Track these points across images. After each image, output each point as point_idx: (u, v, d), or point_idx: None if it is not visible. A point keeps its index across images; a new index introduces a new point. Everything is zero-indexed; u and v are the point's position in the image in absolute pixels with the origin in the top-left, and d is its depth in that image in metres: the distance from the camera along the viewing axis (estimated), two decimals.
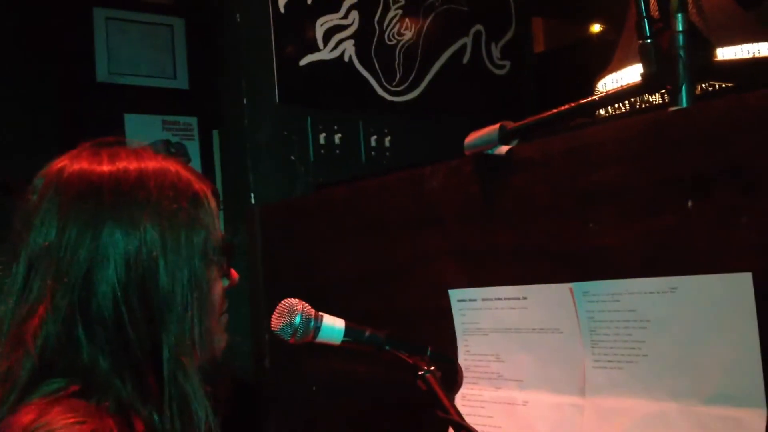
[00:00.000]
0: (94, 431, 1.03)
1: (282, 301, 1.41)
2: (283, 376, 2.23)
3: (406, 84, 3.19)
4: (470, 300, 1.64)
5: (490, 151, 1.59)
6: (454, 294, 1.67)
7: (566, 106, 1.52)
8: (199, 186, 1.25)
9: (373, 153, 3.08)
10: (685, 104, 1.38)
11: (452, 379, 1.53)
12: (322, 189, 2.67)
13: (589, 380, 1.44)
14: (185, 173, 1.25)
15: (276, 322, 1.40)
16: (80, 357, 1.13)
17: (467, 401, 1.64)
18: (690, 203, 1.30)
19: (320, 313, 1.42)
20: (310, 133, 2.93)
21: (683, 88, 1.38)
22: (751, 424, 1.22)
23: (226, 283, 1.33)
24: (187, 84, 4.52)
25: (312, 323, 1.40)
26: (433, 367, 1.36)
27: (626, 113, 1.81)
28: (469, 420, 1.57)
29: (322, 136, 2.96)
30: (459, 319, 1.67)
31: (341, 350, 1.46)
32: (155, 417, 1.13)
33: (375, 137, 3.09)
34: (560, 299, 1.47)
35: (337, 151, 2.99)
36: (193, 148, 4.52)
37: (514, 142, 1.58)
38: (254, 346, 2.31)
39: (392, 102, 3.15)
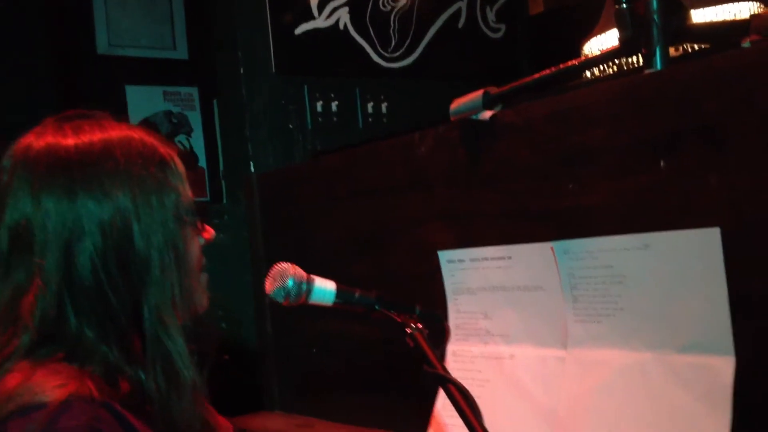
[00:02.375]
0: (73, 393, 1.07)
1: (275, 265, 1.47)
2: (284, 339, 2.30)
3: (402, 50, 3.23)
4: (459, 260, 1.71)
5: (474, 117, 1.65)
6: (444, 255, 1.73)
7: (546, 71, 1.57)
8: (165, 150, 1.28)
9: (370, 119, 3.12)
10: (659, 67, 1.43)
11: (440, 335, 1.59)
12: (319, 156, 2.73)
13: (571, 334, 1.51)
14: (149, 139, 1.27)
15: (269, 286, 1.46)
16: (68, 327, 1.16)
17: (458, 357, 1.71)
18: (662, 163, 1.35)
19: (312, 276, 1.48)
20: (307, 102, 2.98)
21: (657, 51, 1.43)
22: (721, 371, 1.28)
23: (202, 241, 1.36)
24: (186, 54, 4.54)
25: (304, 286, 1.46)
26: (420, 325, 1.42)
27: (611, 76, 1.86)
28: (460, 374, 1.64)
29: (319, 104, 3.01)
30: (449, 279, 1.74)
31: (339, 314, 1.52)
32: (141, 376, 1.17)
33: (371, 104, 3.13)
34: (542, 258, 1.54)
35: (335, 119, 3.04)
36: (195, 118, 4.55)
37: (498, 108, 1.63)
38: (256, 311, 2.38)
39: (388, 68, 3.19)
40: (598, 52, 1.58)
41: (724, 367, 1.28)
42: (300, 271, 1.47)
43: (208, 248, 2.86)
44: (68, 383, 1.08)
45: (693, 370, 1.32)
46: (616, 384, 1.42)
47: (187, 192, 1.30)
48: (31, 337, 1.14)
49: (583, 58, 1.67)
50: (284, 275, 1.46)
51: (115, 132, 1.23)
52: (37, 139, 1.22)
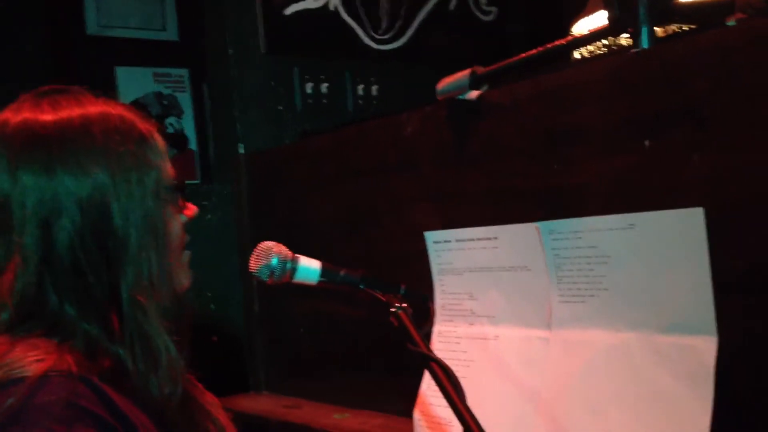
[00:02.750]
0: (52, 368, 1.06)
1: (259, 244, 1.47)
2: (271, 320, 2.30)
3: (393, 32, 3.21)
4: (445, 241, 1.71)
5: (461, 96, 1.64)
6: (430, 236, 1.73)
7: (533, 51, 1.56)
8: (144, 126, 1.25)
9: (360, 101, 3.11)
10: (645, 46, 1.42)
11: (425, 315, 1.59)
12: (307, 137, 2.72)
13: (555, 314, 1.51)
14: (129, 115, 1.24)
15: (254, 264, 1.45)
16: (49, 305, 1.15)
17: (443, 338, 1.71)
18: (647, 143, 1.35)
19: (297, 255, 1.48)
20: (297, 83, 2.97)
21: (643, 30, 1.43)
22: (704, 351, 1.28)
23: (184, 219, 1.35)
24: (177, 36, 4.50)
25: (288, 264, 1.46)
26: (405, 304, 1.42)
27: (600, 56, 1.85)
28: (445, 355, 1.65)
29: (309, 85, 3.00)
30: (435, 260, 1.73)
31: (327, 294, 1.52)
32: (121, 352, 1.16)
33: (362, 86, 3.12)
34: (528, 238, 1.53)
35: (325, 101, 3.03)
36: (185, 100, 4.52)
37: (485, 87, 1.62)
38: (244, 292, 2.38)
39: (379, 50, 3.18)
40: (587, 32, 1.57)
41: (707, 347, 1.28)
42: (285, 250, 1.47)
43: (197, 230, 2.86)
44: (47, 358, 1.07)
45: (676, 351, 1.32)
46: (600, 364, 1.42)
47: (167, 169, 1.28)
48: (9, 315, 1.13)
49: (570, 37, 1.66)
50: (269, 253, 1.46)
51: (93, 108, 1.21)
52: (14, 115, 1.20)
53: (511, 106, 1.56)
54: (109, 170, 1.18)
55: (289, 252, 1.47)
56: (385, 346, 1.81)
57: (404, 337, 1.39)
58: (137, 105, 4.44)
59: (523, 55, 1.58)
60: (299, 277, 1.48)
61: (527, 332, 1.55)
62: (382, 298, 1.46)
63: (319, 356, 2.13)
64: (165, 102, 4.56)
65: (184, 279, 1.35)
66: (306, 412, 2.02)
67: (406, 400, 1.73)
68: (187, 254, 1.37)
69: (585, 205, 1.45)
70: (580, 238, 1.45)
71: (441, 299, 1.73)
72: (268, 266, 1.45)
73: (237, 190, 2.38)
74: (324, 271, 1.49)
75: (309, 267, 1.48)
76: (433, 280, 1.74)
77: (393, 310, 1.42)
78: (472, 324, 1.66)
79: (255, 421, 2.01)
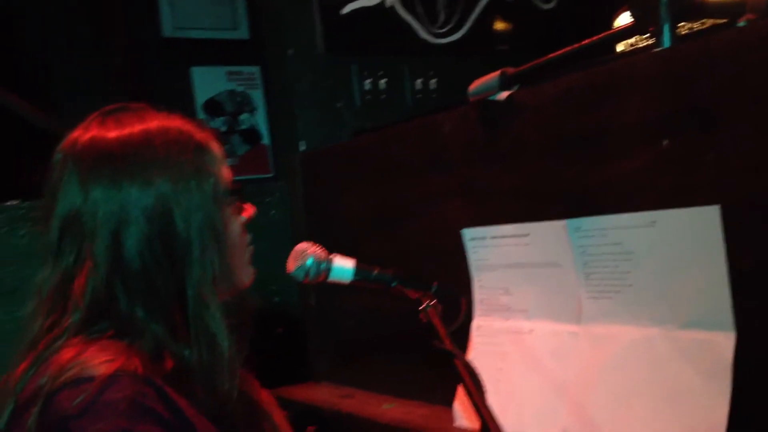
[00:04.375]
0: (120, 368, 1.15)
1: (296, 245, 1.54)
2: (327, 311, 2.39)
3: (451, 25, 3.24)
4: (481, 238, 1.76)
5: (492, 97, 1.68)
6: (467, 233, 1.78)
7: (560, 51, 1.59)
8: (201, 136, 1.34)
9: (419, 96, 3.16)
10: (667, 45, 1.44)
11: (456, 311, 1.64)
12: (356, 136, 2.79)
13: (584, 309, 1.54)
14: (186, 126, 1.34)
15: (291, 265, 1.53)
16: (119, 307, 1.25)
17: (482, 331, 1.76)
18: (665, 142, 1.37)
19: (331, 255, 1.55)
20: (355, 81, 3.03)
21: (665, 29, 1.44)
22: (722, 346, 1.31)
23: (243, 219, 1.43)
24: (247, 34, 4.64)
25: (323, 264, 1.53)
26: (434, 301, 1.48)
27: (630, 53, 1.86)
28: (483, 348, 1.70)
29: (368, 82, 3.05)
30: (472, 256, 1.78)
31: (374, 290, 1.58)
32: (186, 352, 1.25)
33: (420, 80, 3.16)
34: (557, 235, 1.57)
35: (383, 96, 3.08)
36: (258, 96, 4.65)
37: (516, 87, 1.66)
38: (300, 286, 2.47)
39: (437, 44, 3.21)
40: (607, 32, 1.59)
41: (725, 342, 1.30)
42: (320, 250, 1.54)
43: (263, 225, 2.97)
44: (116, 359, 1.16)
45: (696, 346, 1.35)
46: (624, 358, 1.45)
47: (224, 174, 1.37)
48: (81, 316, 1.23)
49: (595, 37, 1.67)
50: (304, 254, 1.53)
51: (153, 122, 1.32)
52: (83, 134, 1.31)
53: (537, 106, 1.60)
54: (171, 179, 1.27)
55: (324, 252, 1.55)
56: (416, 336, 1.87)
57: (432, 333, 1.46)
58: (212, 103, 4.62)
59: (551, 55, 1.61)
60: (334, 277, 1.55)
61: (558, 326, 1.60)
62: (413, 296, 1.52)
63: (372, 347, 2.20)
64: (238, 99, 4.70)
65: (246, 276, 1.43)
66: (357, 401, 2.10)
67: (451, 392, 1.78)
68: (249, 251, 1.45)
69: (608, 204, 1.48)
70: (605, 235, 1.48)
71: (479, 294, 1.78)
72: (303, 267, 1.52)
73: (292, 187, 2.47)
74: (357, 270, 1.55)
75: (343, 267, 1.55)
76: (471, 275, 1.79)
77: (422, 307, 1.49)
78: (507, 319, 1.71)
79: (309, 410, 2.10)
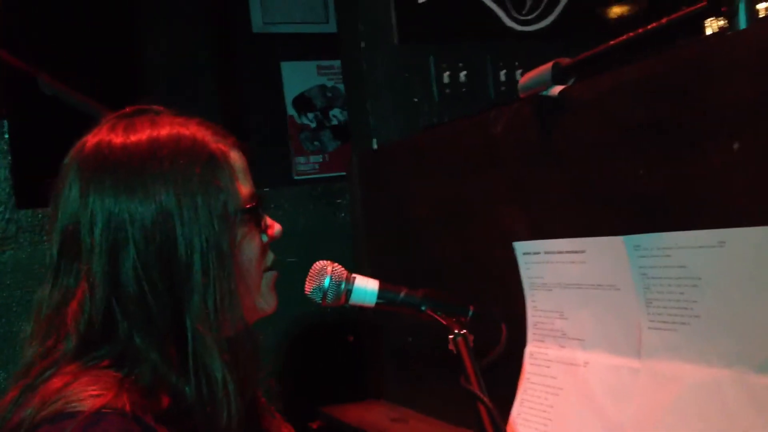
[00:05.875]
0: (107, 405, 1.05)
1: (315, 264, 1.38)
2: (385, 327, 2.22)
3: (538, 11, 3.00)
4: (534, 253, 1.54)
5: (545, 92, 1.47)
6: (520, 247, 1.57)
7: (619, 39, 1.36)
8: (216, 146, 1.21)
9: (503, 88, 2.94)
10: (743, 26, 1.19)
11: (497, 337, 1.44)
12: (418, 134, 2.61)
13: (645, 342, 1.31)
14: (201, 135, 1.21)
15: (308, 286, 1.37)
16: (118, 332, 1.14)
17: (534, 359, 1.55)
18: (736, 145, 1.12)
19: (353, 275, 1.38)
20: (432, 72, 2.84)
21: (741, 7, 1.19)
22: None
23: (265, 239, 1.29)
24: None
25: (343, 285, 1.36)
26: (464, 331, 1.29)
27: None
28: (535, 379, 1.50)
29: (446, 74, 2.86)
30: (525, 273, 1.57)
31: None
32: (186, 389, 1.13)
33: (505, 71, 2.94)
34: (615, 253, 1.34)
35: (464, 89, 2.88)
36: None
37: (571, 81, 1.44)
38: None
39: (522, 32, 2.98)
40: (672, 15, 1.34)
41: None
42: (340, 269, 1.38)
43: (332, 228, 2.82)
44: (104, 393, 1.06)
45: None
46: (689, 402, 1.21)
47: (239, 190, 1.23)
48: (74, 344, 1.13)
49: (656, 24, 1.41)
50: (322, 274, 1.37)
51: (165, 130, 1.20)
52: (92, 138, 1.21)
53: (591, 103, 1.37)
54: (175, 194, 1.15)
55: (345, 271, 1.38)
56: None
57: (460, 368, 1.27)
58: (302, 98, 4.53)
59: (611, 42, 1.38)
60: (355, 299, 1.38)
61: (617, 361, 1.37)
62: (444, 322, 1.34)
63: (429, 367, 2.02)
64: (329, 94, 4.59)
65: (265, 304, 1.30)
66: (410, 426, 1.92)
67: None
68: (269, 276, 1.31)
69: (669, 216, 1.25)
70: (668, 256, 1.25)
71: (533, 317, 1.57)
72: (320, 288, 1.36)
73: (352, 187, 2.32)
74: (381, 293, 1.38)
75: (365, 288, 1.38)
76: (525, 295, 1.58)
77: (452, 336, 1.30)
78: (563, 347, 1.49)
79: None
